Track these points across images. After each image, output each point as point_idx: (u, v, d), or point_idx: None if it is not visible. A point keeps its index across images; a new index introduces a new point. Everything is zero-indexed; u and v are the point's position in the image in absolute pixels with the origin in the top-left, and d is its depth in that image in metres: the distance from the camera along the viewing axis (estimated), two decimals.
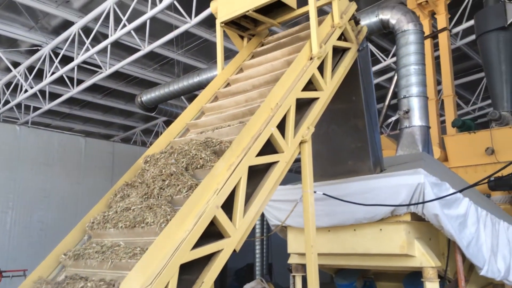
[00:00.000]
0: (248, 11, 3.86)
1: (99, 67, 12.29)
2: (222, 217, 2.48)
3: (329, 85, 3.55)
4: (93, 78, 12.49)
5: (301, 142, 3.19)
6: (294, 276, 4.70)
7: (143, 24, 10.35)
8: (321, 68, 3.59)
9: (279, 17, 4.16)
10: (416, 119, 5.31)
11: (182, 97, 14.42)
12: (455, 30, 12.00)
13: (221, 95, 3.93)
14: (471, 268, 4.21)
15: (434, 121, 11.00)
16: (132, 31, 10.52)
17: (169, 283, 2.13)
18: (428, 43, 11.03)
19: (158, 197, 2.78)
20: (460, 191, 3.96)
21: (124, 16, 9.73)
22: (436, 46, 11.40)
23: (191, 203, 2.40)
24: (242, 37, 4.39)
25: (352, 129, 4.28)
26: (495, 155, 8.99)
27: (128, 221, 2.67)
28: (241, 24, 4.25)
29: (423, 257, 3.87)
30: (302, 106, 3.39)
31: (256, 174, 2.91)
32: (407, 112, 5.45)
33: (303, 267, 4.70)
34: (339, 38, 3.90)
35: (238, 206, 2.60)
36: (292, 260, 4.74)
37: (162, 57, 13.24)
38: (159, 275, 2.08)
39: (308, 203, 3.13)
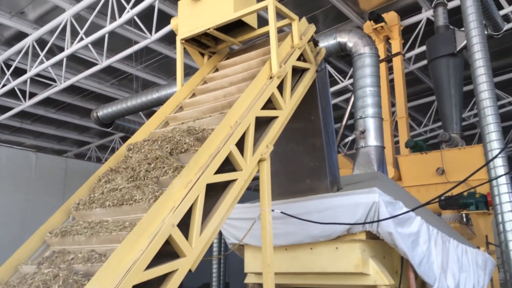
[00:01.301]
0: (209, 29, 3.88)
1: (54, 81, 11.92)
2: (178, 236, 2.42)
3: (288, 104, 3.59)
4: (46, 91, 12.08)
5: (260, 160, 3.19)
6: None
7: (101, 38, 10.17)
8: (280, 88, 3.63)
9: (239, 36, 4.20)
10: (372, 139, 5.47)
11: (140, 113, 14.18)
12: (408, 55, 12.56)
13: (198, 92, 4.05)
14: (423, 285, 4.31)
15: (389, 142, 11.36)
16: (89, 45, 10.31)
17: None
18: (383, 66, 11.48)
19: (144, 179, 2.84)
20: (413, 209, 4.08)
21: (81, 29, 9.52)
22: (390, 70, 11.87)
23: (145, 222, 2.33)
24: (202, 54, 4.39)
25: (310, 148, 4.34)
26: (445, 175, 9.38)
27: (115, 199, 2.70)
28: (202, 42, 4.26)
29: (377, 276, 3.93)
30: (262, 124, 3.41)
31: (215, 192, 2.88)
32: (363, 132, 5.61)
33: (260, 286, 4.66)
34: (299, 59, 3.97)
35: (195, 225, 2.55)
36: (249, 279, 4.69)
37: (120, 72, 13.02)
38: None
39: (266, 222, 3.12)
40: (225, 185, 2.94)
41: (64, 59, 11.08)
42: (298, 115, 4.31)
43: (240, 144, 3.09)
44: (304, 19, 4.18)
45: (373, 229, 3.83)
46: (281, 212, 3.93)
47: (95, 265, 2.31)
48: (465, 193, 8.80)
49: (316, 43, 4.14)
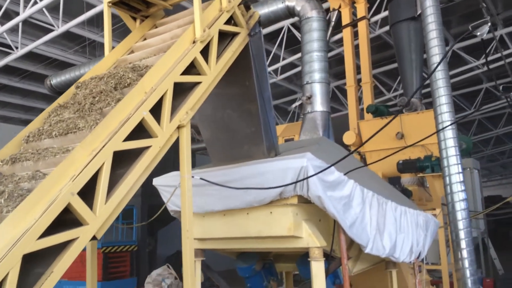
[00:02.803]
0: None
1: (11, 48, 11.53)
2: (79, 205, 2.40)
3: (213, 70, 3.54)
4: (4, 59, 11.70)
5: (179, 127, 3.16)
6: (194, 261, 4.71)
7: (57, 2, 9.81)
8: (207, 52, 3.57)
9: None
10: (318, 105, 5.47)
11: None
12: (374, 19, 12.47)
13: (149, 36, 4.15)
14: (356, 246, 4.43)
15: (353, 107, 11.45)
16: (44, 9, 9.95)
17: (8, 274, 2.04)
18: (348, 31, 11.40)
19: (89, 111, 3.08)
20: (345, 173, 4.14)
21: None
22: (356, 35, 11.79)
23: (41, 190, 2.31)
24: (134, 19, 4.27)
25: (246, 113, 4.32)
26: (405, 139, 9.53)
27: (61, 129, 2.95)
28: (132, 5, 4.13)
29: (309, 238, 4.01)
30: (185, 91, 3.36)
31: (130, 160, 2.86)
32: (309, 97, 5.60)
33: (202, 251, 4.74)
34: (229, 23, 3.89)
35: (99, 193, 2.53)
36: None
37: (83, 39, 12.64)
38: None
39: (185, 188, 3.13)
40: (142, 152, 2.92)
41: (20, 25, 10.70)
42: (232, 80, 4.28)
43: (159, 111, 3.06)
44: None
45: (303, 193, 3.88)
46: (200, 178, 3.94)
47: (38, 181, 2.53)
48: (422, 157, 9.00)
49: (247, 6, 4.04)
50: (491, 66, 13.68)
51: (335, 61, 15.31)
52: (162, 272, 6.99)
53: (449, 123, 6.79)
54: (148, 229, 14.55)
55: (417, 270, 5.30)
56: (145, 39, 4.18)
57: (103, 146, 2.60)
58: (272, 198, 4.00)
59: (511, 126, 22.17)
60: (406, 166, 9.04)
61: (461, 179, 6.66)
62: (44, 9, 9.90)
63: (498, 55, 15.19)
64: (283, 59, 13.40)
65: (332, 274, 4.60)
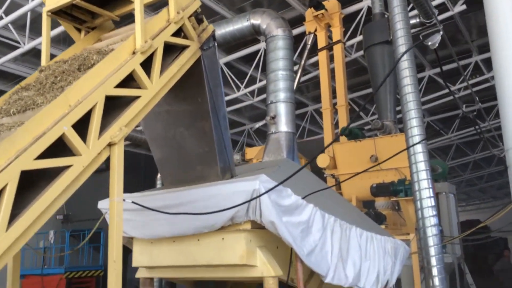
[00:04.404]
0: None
1: None
2: None
3: (155, 84, 3.26)
4: None
5: (111, 145, 2.85)
6: None
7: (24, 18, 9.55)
8: (151, 65, 3.31)
9: (117, 10, 3.83)
10: (283, 125, 5.22)
11: None
12: (350, 43, 12.45)
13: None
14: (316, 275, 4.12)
15: (329, 130, 11.29)
16: (10, 25, 9.67)
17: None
18: (324, 54, 11.34)
19: (50, 89, 3.05)
20: (304, 197, 3.87)
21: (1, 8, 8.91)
22: (332, 59, 11.72)
23: None
24: (79, 30, 4.00)
25: (200, 132, 4.05)
26: (379, 162, 9.33)
27: (19, 106, 2.91)
28: (76, 16, 3.86)
29: (264, 267, 3.70)
30: (123, 106, 3.08)
31: (48, 180, 2.54)
32: (273, 117, 5.37)
33: (151, 280, 4.37)
34: (179, 35, 3.65)
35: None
36: (140, 274, 4.37)
37: (52, 56, 12.31)
38: None
39: (114, 213, 2.80)
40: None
41: None
42: (184, 97, 4.03)
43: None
44: None
45: (256, 218, 3.58)
46: (132, 202, 3.61)
47: None
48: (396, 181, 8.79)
49: (199, 19, 3.81)
50: (464, 93, 13.76)
51: (312, 84, 15.25)
52: None
53: (418, 138, 6.61)
54: None
55: None
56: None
57: (8, 165, 2.27)
58: (223, 223, 3.69)
59: (488, 151, 22.33)
60: (379, 190, 8.80)
61: (433, 204, 6.41)
62: (9, 25, 9.62)
63: (474, 80, 15.36)
64: (260, 81, 13.26)
65: None
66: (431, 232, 6.28)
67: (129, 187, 3.42)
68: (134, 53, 3.17)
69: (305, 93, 17.55)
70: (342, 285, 4.18)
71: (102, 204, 4.32)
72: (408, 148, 6.43)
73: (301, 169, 3.94)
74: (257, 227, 3.74)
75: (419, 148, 6.56)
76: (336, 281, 4.07)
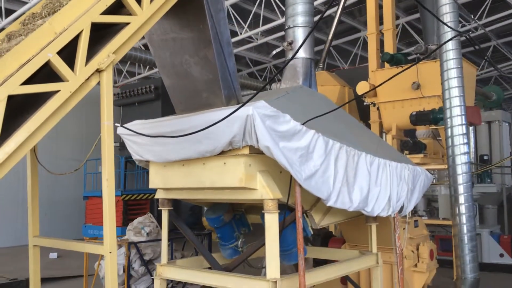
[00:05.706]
0: None
1: None
2: None
3: (146, 10, 3.30)
4: None
5: (99, 71, 3.00)
6: (161, 210, 4.70)
7: None
8: None
9: None
10: (300, 51, 5.09)
11: None
12: None
13: None
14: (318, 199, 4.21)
15: (374, 56, 10.80)
16: None
17: None
18: None
19: (18, 35, 3.24)
20: (304, 123, 3.87)
21: None
22: None
23: None
24: None
25: (203, 59, 4.08)
26: (421, 89, 8.91)
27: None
28: None
29: (263, 190, 3.84)
30: (112, 34, 3.17)
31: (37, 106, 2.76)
32: (290, 43, 5.23)
33: (169, 201, 4.69)
34: None
35: None
36: (158, 195, 4.71)
37: None
38: None
39: (105, 136, 3.00)
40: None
41: None
42: (186, 23, 4.03)
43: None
44: None
45: (253, 143, 3.67)
46: (121, 126, 3.79)
47: None
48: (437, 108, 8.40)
49: None
50: None
51: (365, 7, 14.41)
52: (143, 220, 7.13)
53: (454, 69, 6.23)
54: None
55: (396, 224, 5.04)
56: None
57: None
58: (222, 148, 3.82)
59: None
60: (419, 118, 8.49)
61: (464, 131, 6.16)
62: None
63: None
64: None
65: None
66: (460, 160, 6.12)
67: None
68: None
69: (357, 17, 16.66)
70: (346, 209, 4.25)
71: (120, 130, 4.55)
72: (440, 46, 6.05)
73: (260, 91, 3.89)
74: (257, 152, 3.83)
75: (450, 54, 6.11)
76: (340, 204, 4.15)
